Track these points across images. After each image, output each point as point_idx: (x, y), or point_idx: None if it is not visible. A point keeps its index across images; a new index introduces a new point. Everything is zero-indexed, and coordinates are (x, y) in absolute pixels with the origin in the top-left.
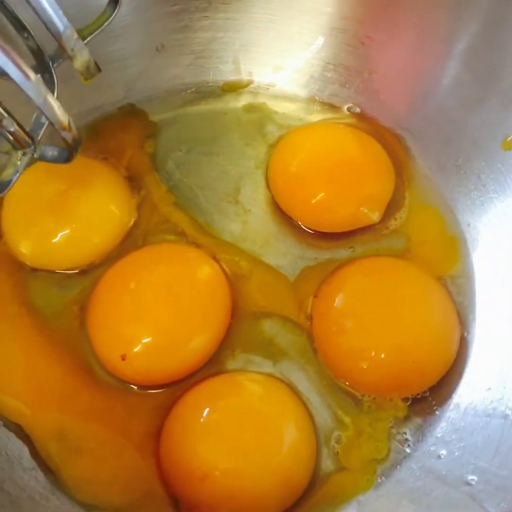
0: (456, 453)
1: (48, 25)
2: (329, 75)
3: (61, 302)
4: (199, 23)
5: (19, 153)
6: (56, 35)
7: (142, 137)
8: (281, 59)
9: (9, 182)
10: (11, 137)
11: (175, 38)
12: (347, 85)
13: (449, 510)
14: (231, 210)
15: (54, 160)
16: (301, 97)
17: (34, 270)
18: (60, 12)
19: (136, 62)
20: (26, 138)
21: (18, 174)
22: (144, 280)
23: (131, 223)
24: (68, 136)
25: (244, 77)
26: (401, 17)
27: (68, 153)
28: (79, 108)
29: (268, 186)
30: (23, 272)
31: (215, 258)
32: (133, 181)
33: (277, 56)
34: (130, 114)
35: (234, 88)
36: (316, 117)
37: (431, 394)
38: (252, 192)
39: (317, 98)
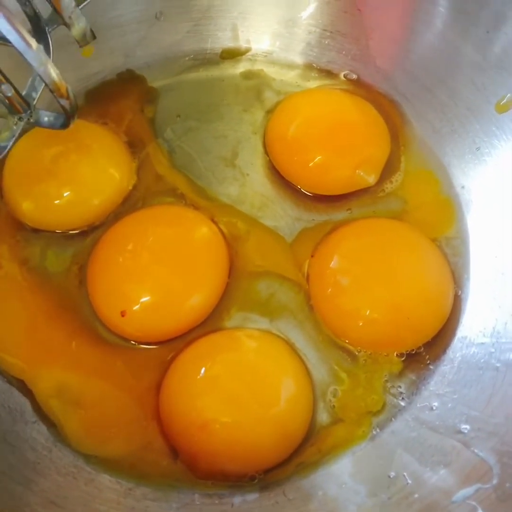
0: (449, 405)
1: None
2: (326, 42)
3: (61, 262)
4: None
5: (15, 117)
6: (54, 2)
7: (141, 102)
8: (278, 26)
9: (5, 147)
10: (7, 102)
11: (174, 5)
12: (343, 52)
13: (443, 457)
14: (229, 174)
15: (50, 126)
16: (298, 64)
17: (35, 230)
18: None
19: (135, 29)
20: (23, 103)
21: (14, 139)
22: (143, 239)
23: (131, 186)
24: (66, 103)
25: (242, 44)
26: None
27: (65, 119)
28: (79, 74)
29: (265, 150)
30: (24, 232)
31: (213, 220)
32: (133, 145)
33: (275, 23)
34: (129, 80)
35: (232, 55)
36: (313, 83)
37: (425, 349)
38: (249, 156)
39: (314, 65)
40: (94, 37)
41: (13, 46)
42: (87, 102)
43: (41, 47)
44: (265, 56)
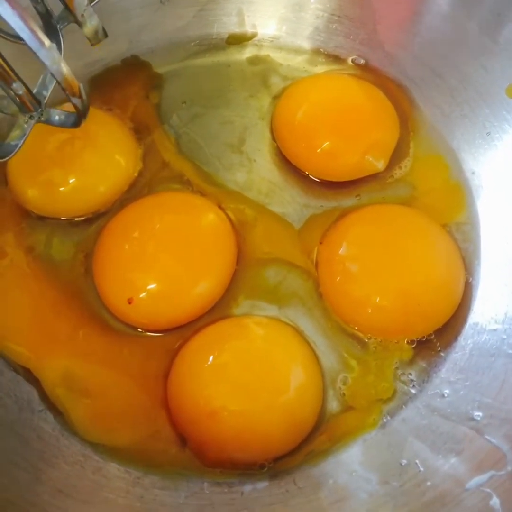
0: (461, 392)
1: None
2: (333, 26)
3: (67, 249)
4: None
5: (26, 116)
6: (66, 1)
7: (146, 88)
8: (285, 11)
9: (16, 145)
10: (18, 100)
11: None
12: (351, 37)
13: (455, 444)
14: (236, 160)
15: (61, 125)
16: (305, 49)
17: (40, 217)
18: None
19: (139, 14)
20: (34, 101)
21: (25, 137)
22: (150, 226)
23: (136, 172)
24: (78, 102)
25: (248, 29)
26: None
27: (76, 118)
28: (83, 60)
29: (273, 136)
30: (29, 220)
31: (220, 207)
32: (138, 131)
33: (281, 8)
34: (134, 65)
35: (238, 40)
36: (320, 68)
37: (436, 336)
38: (256, 142)
39: (321, 50)
40: (106, 35)
41: (25, 44)
42: (91, 88)
43: (54, 45)
44: (272, 41)
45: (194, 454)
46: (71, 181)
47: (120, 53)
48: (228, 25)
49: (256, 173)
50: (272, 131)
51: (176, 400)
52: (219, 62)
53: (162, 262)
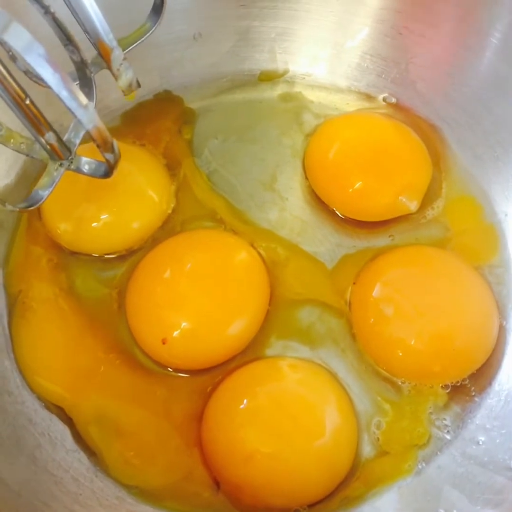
0: (498, 440)
1: (97, 46)
2: (365, 65)
3: (100, 286)
4: (236, 11)
5: (57, 163)
6: (103, 55)
7: (179, 123)
8: (317, 48)
9: (44, 195)
10: (49, 148)
11: (211, 26)
12: (383, 75)
13: (494, 495)
14: (268, 198)
15: (91, 174)
16: (337, 86)
17: (73, 253)
18: (111, 36)
19: (172, 50)
20: (64, 148)
21: (54, 185)
22: (183, 265)
23: (170, 209)
24: (111, 157)
25: (280, 66)
26: (439, 8)
27: (106, 170)
28: (116, 94)
29: (305, 174)
30: (63, 255)
31: (252, 245)
32: (171, 167)
33: (314, 45)
34: (167, 100)
35: (270, 77)
36: (352, 107)
37: (470, 381)
38: (288, 180)
39: (353, 88)
40: (139, 85)
41: (61, 100)
42: (124, 123)
43: (91, 103)
44: (303, 78)
45: (228, 498)
46: (103, 217)
47: (153, 88)
48: (260, 62)
49: (289, 211)
50: (304, 169)
51: (210, 442)
52: (251, 98)
53: (196, 301)
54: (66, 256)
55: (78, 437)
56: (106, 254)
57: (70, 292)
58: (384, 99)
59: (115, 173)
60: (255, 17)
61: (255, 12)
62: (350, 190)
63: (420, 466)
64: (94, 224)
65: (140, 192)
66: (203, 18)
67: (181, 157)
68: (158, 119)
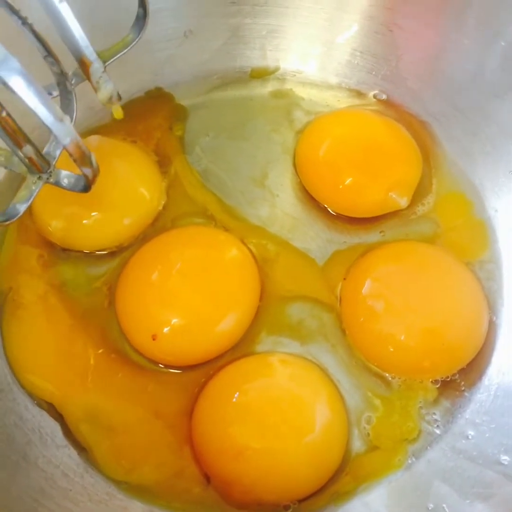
0: (487, 434)
1: (77, 58)
2: (356, 62)
3: (91, 282)
4: (227, 9)
5: (35, 177)
6: (82, 68)
7: (170, 120)
8: (308, 46)
9: (20, 210)
10: (27, 161)
11: (202, 23)
12: (374, 72)
13: (483, 489)
14: (259, 195)
15: (70, 188)
16: (327, 83)
17: (64, 249)
18: (91, 49)
19: (163, 47)
20: (43, 162)
21: (31, 199)
22: (174, 261)
23: (161, 206)
24: (89, 172)
25: (271, 63)
26: (428, 4)
27: (85, 184)
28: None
29: (296, 171)
30: (53, 251)
31: (243, 242)
32: (162, 164)
33: (304, 43)
34: (158, 97)
35: (261, 74)
36: (342, 103)
37: (460, 376)
38: (279, 177)
39: (343, 85)
40: (120, 98)
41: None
42: (115, 120)
43: (68, 117)
44: (294, 75)
45: (218, 493)
46: (94, 214)
47: (144, 85)
48: (251, 59)
49: (279, 208)
50: (295, 166)
51: (201, 438)
52: (242, 95)
53: (186, 297)
54: (57, 253)
55: (68, 433)
56: (97, 251)
57: (60, 288)
58: (374, 96)
59: (93, 188)
60: (246, 15)
61: (246, 10)
62: (341, 186)
63: (410, 461)
64: (85, 221)
65: (131, 189)
66: (194, 16)
67: (172, 154)
68: (149, 116)
